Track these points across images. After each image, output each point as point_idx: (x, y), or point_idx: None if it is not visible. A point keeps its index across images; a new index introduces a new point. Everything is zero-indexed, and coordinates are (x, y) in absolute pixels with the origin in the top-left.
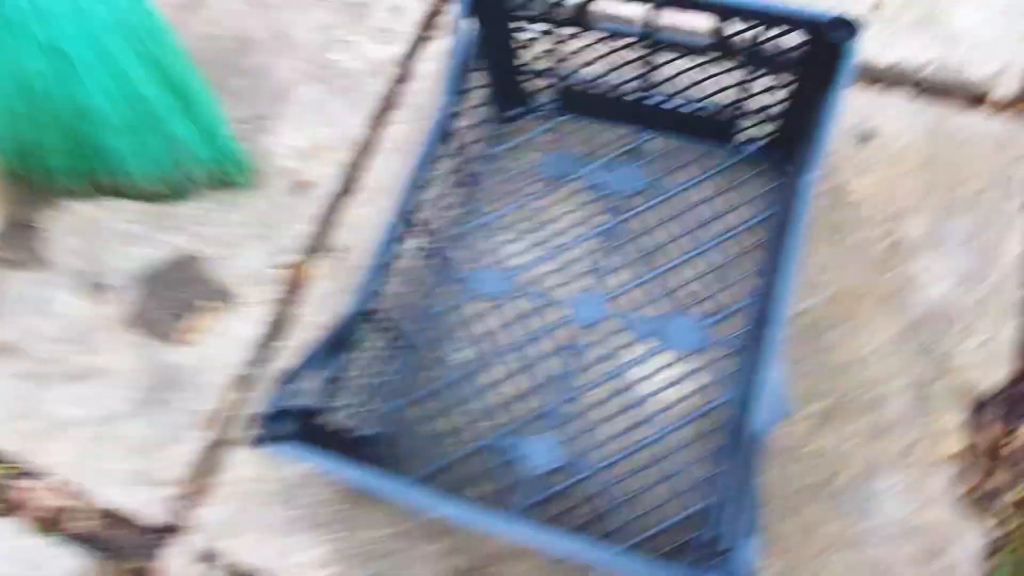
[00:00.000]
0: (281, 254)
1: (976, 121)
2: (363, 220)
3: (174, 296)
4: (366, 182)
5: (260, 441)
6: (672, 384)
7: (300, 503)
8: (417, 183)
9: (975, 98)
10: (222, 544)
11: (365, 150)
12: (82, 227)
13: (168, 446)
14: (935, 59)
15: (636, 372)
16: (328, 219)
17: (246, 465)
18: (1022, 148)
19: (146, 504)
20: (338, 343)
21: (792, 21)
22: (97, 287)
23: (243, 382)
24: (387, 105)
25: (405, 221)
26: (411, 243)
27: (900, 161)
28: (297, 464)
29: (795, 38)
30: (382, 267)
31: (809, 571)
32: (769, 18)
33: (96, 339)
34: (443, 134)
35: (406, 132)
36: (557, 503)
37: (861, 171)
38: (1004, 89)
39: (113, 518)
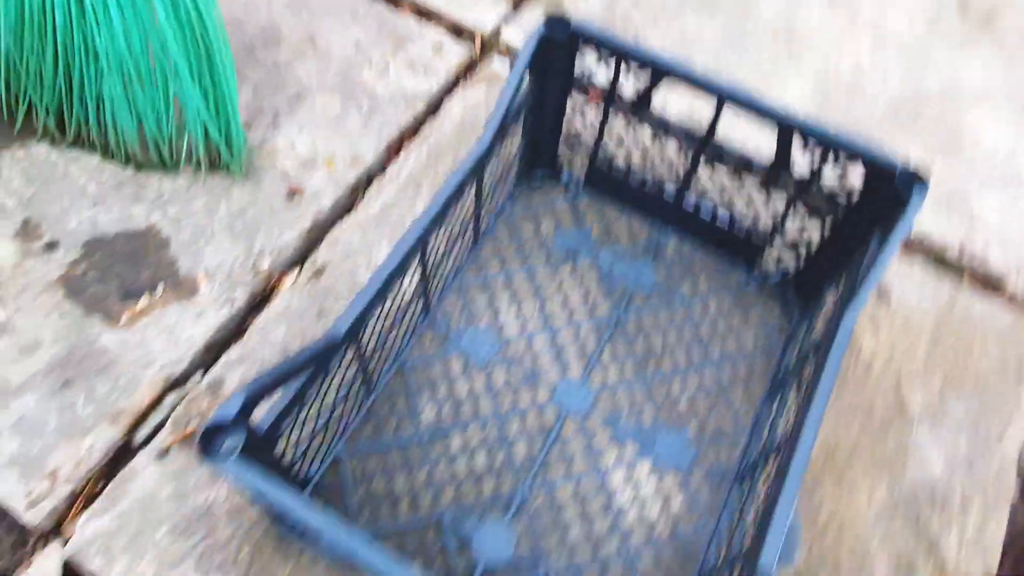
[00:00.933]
0: (256, 257)
1: (989, 306)
2: (350, 243)
3: (125, 272)
4: (363, 207)
5: (205, 449)
6: (649, 499)
7: (197, 535)
8: (438, 217)
9: (990, 285)
10: (97, 562)
11: (372, 174)
12: (39, 173)
13: (65, 436)
14: (958, 239)
15: (612, 477)
16: (315, 234)
17: (147, 479)
18: None
19: (21, 499)
20: (314, 365)
21: (863, 157)
22: (37, 240)
23: (174, 385)
24: (406, 137)
25: (416, 254)
26: (405, 281)
27: (912, 328)
28: (207, 491)
29: (855, 178)
30: (379, 295)
31: None
32: (838, 147)
33: (21, 296)
34: (476, 173)
35: (420, 167)
36: None
37: (874, 328)
38: (1017, 286)
39: None
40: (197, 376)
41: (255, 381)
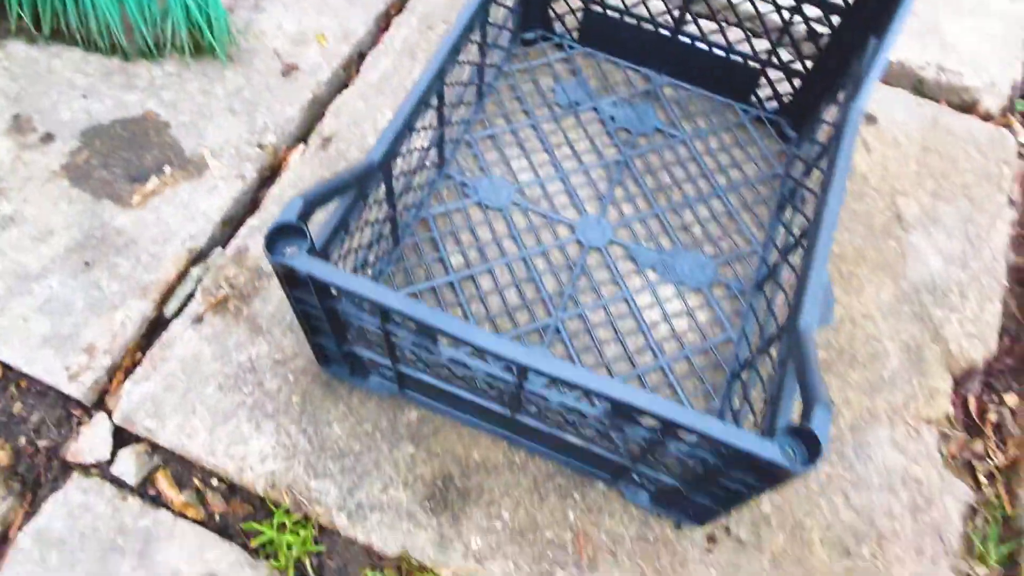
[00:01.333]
0: (260, 133)
1: (967, 123)
2: (354, 112)
3: (129, 157)
4: (361, 77)
5: (271, 250)
6: (675, 316)
7: (244, 390)
8: (454, 49)
9: (966, 105)
10: (148, 424)
11: (365, 48)
12: (22, 70)
13: (95, 313)
14: (932, 65)
15: (639, 300)
16: (317, 107)
17: (187, 344)
18: (1007, 153)
19: (61, 374)
20: (356, 187)
21: None
22: (31, 134)
23: (198, 258)
24: (393, 9)
25: (436, 86)
26: (426, 120)
27: (899, 145)
28: (249, 349)
29: None
30: (407, 124)
31: (802, 511)
32: None
33: (25, 187)
34: (483, 14)
35: (413, 36)
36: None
37: (865, 147)
38: (990, 103)
39: (24, 387)
40: (219, 248)
41: (307, 192)
